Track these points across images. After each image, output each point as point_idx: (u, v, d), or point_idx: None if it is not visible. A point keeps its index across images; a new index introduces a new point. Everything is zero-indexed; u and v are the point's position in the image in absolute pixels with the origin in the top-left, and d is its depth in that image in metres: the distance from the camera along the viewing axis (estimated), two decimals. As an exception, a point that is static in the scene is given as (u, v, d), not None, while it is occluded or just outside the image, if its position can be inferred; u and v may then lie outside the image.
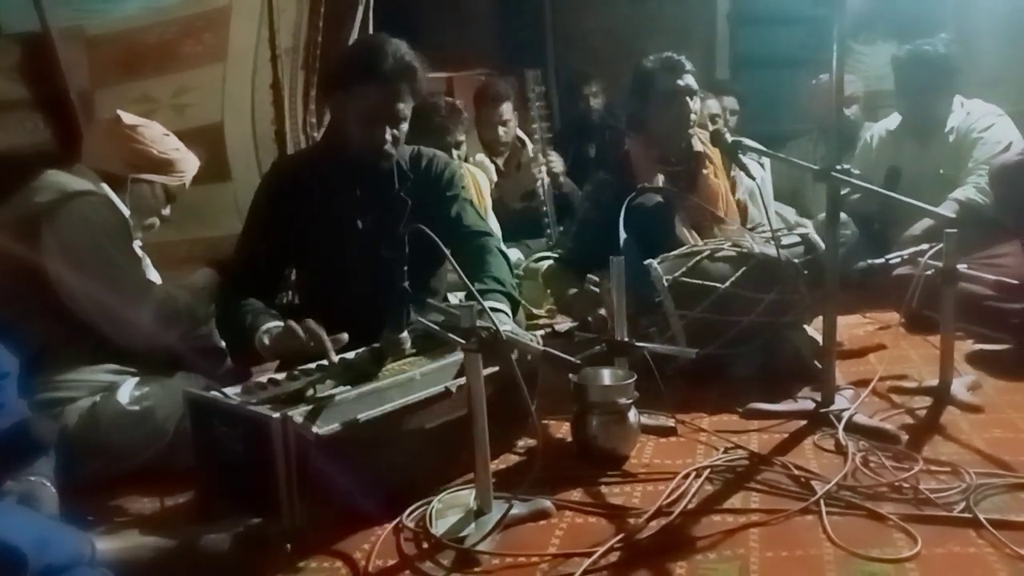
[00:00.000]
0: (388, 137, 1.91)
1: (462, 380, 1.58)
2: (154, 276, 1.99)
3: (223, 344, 2.01)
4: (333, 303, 1.91)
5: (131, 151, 1.91)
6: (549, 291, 2.92)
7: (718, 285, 2.06)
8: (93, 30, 2.80)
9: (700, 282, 2.07)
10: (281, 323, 1.75)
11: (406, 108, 1.93)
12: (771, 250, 2.10)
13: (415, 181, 2.04)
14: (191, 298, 1.91)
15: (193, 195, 2.08)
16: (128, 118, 1.94)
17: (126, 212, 1.91)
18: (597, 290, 2.20)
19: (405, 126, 1.96)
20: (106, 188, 1.88)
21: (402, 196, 2.00)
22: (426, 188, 2.04)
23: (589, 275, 2.26)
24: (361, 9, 2.79)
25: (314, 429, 1.37)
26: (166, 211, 2.02)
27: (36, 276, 1.71)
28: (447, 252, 1.44)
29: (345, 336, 1.66)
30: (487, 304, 1.61)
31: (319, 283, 2.05)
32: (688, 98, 2.45)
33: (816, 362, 2.00)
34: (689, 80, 2.47)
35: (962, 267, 1.91)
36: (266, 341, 1.71)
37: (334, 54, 2.74)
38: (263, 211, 2.01)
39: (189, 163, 2.01)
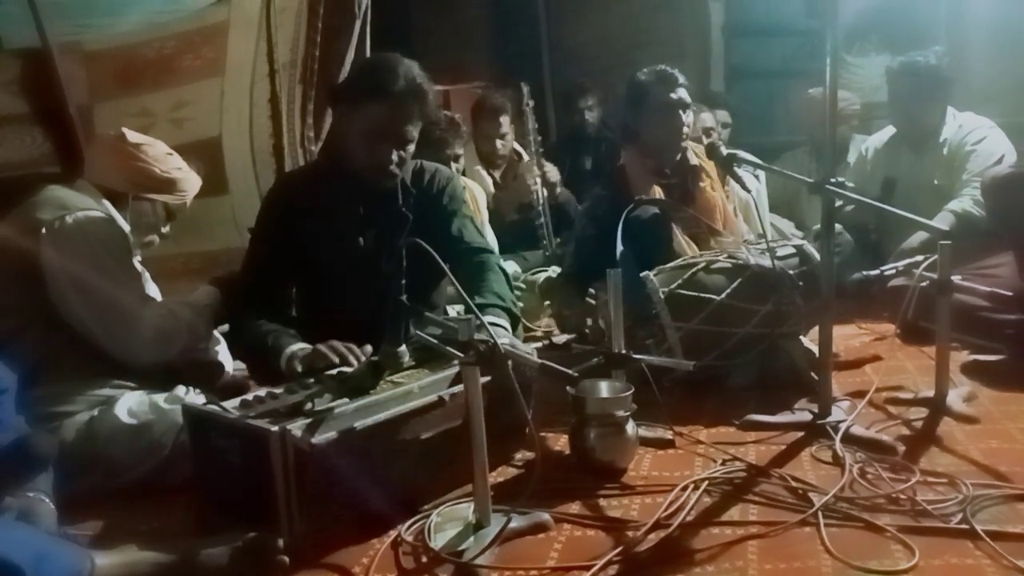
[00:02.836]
0: (394, 158, 1.91)
1: (455, 388, 1.59)
2: (153, 290, 1.99)
3: (221, 358, 2.01)
4: (334, 318, 1.91)
5: (134, 169, 1.92)
6: (548, 303, 2.93)
7: (714, 297, 2.07)
8: (92, 45, 2.82)
9: (696, 294, 2.08)
10: (302, 344, 1.78)
11: (414, 130, 1.92)
12: (767, 262, 2.11)
13: (417, 196, 2.04)
14: (192, 315, 1.91)
15: (191, 208, 2.09)
16: (132, 136, 1.94)
17: (127, 228, 1.91)
18: (594, 303, 2.21)
19: (412, 148, 1.95)
20: (107, 204, 1.88)
21: (403, 211, 2.01)
22: (428, 203, 2.05)
23: (591, 289, 2.27)
24: (359, 24, 2.81)
25: (311, 439, 1.37)
26: (165, 229, 2.03)
27: (35, 290, 1.71)
28: (445, 267, 1.45)
29: (369, 348, 1.69)
30: (486, 319, 1.62)
31: (320, 298, 2.05)
32: (681, 111, 2.47)
33: (812, 373, 2.01)
34: (682, 93, 2.49)
35: (956, 278, 1.92)
36: (297, 366, 1.73)
37: (332, 68, 2.77)
38: (268, 228, 2.01)
39: (191, 183, 2.01)
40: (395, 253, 1.47)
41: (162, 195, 1.96)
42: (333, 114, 2.07)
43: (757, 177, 3.13)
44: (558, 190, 3.61)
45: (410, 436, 1.54)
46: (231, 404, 1.51)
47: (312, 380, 1.62)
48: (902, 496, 1.48)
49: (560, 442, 1.85)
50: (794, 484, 1.57)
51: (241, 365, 2.07)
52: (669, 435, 1.84)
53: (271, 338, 1.82)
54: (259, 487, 1.38)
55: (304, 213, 1.97)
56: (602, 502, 1.57)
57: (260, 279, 1.98)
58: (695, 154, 2.57)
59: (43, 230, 1.73)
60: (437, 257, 1.42)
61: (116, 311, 1.75)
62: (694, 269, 2.13)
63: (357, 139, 1.90)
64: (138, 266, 1.94)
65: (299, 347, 1.78)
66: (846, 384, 2.15)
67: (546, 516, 1.48)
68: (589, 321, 2.21)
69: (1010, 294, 2.15)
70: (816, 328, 1.90)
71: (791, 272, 2.14)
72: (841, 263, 2.41)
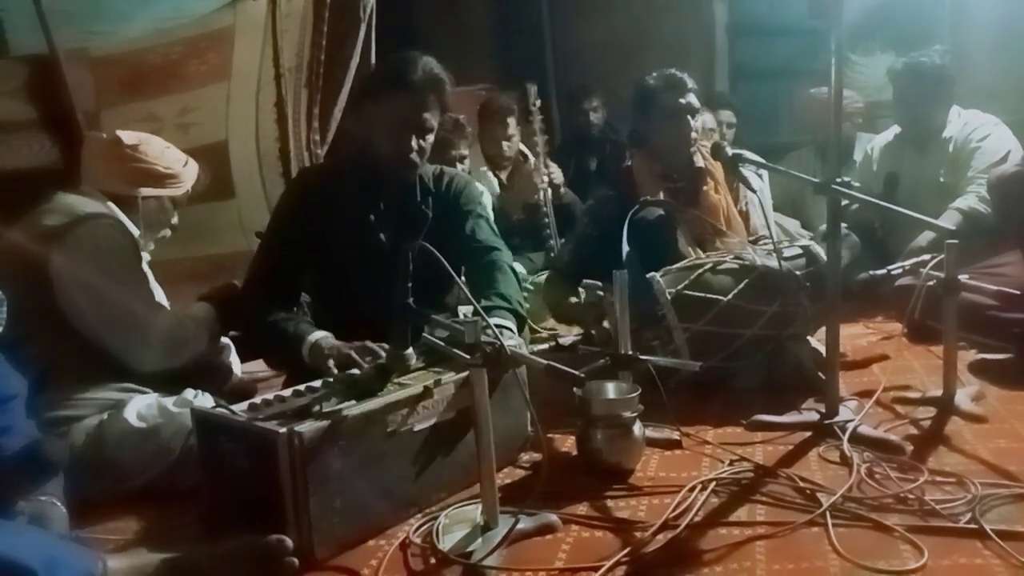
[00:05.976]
0: (415, 146, 1.95)
1: (448, 377, 1.60)
2: (159, 293, 2.00)
3: (229, 361, 2.02)
4: (351, 313, 1.92)
5: (136, 171, 1.93)
6: (544, 298, 2.92)
7: (720, 298, 2.07)
8: (98, 51, 2.84)
9: (702, 295, 2.08)
10: (323, 332, 1.82)
11: (432, 119, 1.97)
12: (773, 262, 2.10)
13: (437, 198, 2.09)
14: (195, 325, 1.92)
15: (198, 213, 2.11)
16: (128, 137, 1.95)
17: (136, 232, 1.92)
18: (600, 294, 2.19)
19: (431, 138, 2.01)
20: (114, 209, 1.89)
21: (423, 209, 2.04)
22: (446, 206, 2.09)
23: (585, 280, 2.23)
24: (363, 28, 2.82)
25: (298, 428, 1.37)
26: (175, 220, 2.05)
27: (45, 297, 1.72)
28: (451, 270, 1.45)
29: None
30: (492, 320, 1.62)
31: (337, 293, 2.06)
32: (690, 116, 2.47)
33: (819, 373, 2.01)
34: (691, 99, 2.49)
35: (963, 277, 1.91)
36: (331, 364, 1.75)
37: (338, 72, 2.78)
38: (287, 219, 2.05)
39: (191, 171, 2.03)
40: (402, 254, 1.47)
41: (168, 190, 1.97)
42: (356, 111, 2.12)
43: (760, 176, 3.12)
44: (562, 191, 3.61)
45: (416, 436, 1.54)
46: (239, 407, 1.52)
47: (320, 384, 1.62)
48: (910, 496, 1.48)
49: (567, 443, 1.85)
50: (802, 484, 1.56)
51: (249, 369, 2.08)
52: (676, 436, 1.84)
53: (291, 326, 1.86)
54: (267, 489, 1.39)
55: (326, 206, 2.00)
56: (609, 503, 1.57)
57: (274, 273, 2.00)
58: (702, 156, 2.57)
59: (52, 237, 1.74)
60: (444, 262, 1.42)
61: (126, 318, 1.76)
62: (700, 270, 2.13)
63: (380, 131, 1.95)
64: (145, 268, 1.95)
65: (322, 335, 1.82)
66: (853, 384, 2.15)
67: (554, 517, 1.48)
68: (606, 324, 2.19)
69: (1017, 292, 2.14)
70: (823, 328, 1.90)
71: (798, 273, 2.14)
72: (848, 263, 2.40)
